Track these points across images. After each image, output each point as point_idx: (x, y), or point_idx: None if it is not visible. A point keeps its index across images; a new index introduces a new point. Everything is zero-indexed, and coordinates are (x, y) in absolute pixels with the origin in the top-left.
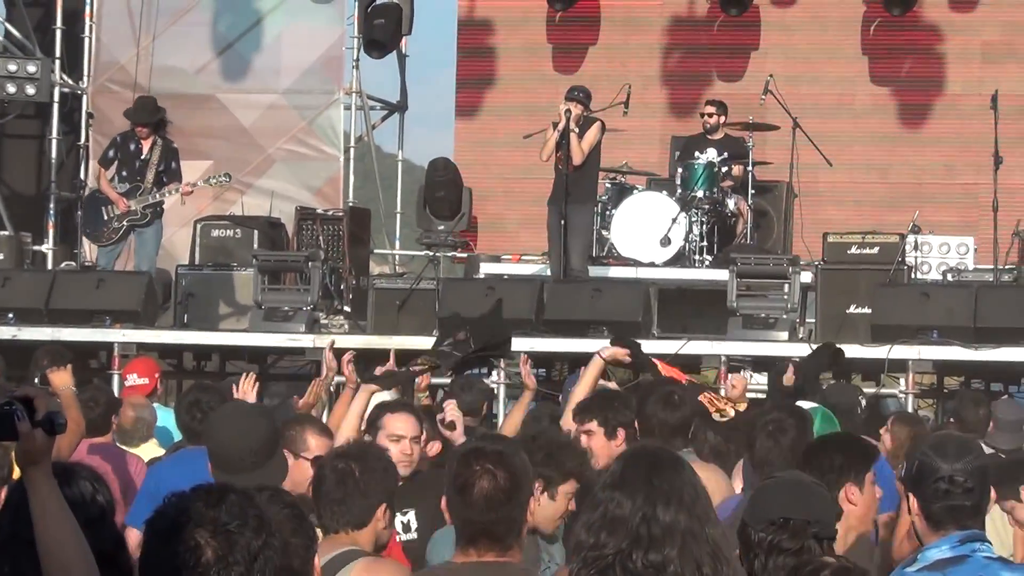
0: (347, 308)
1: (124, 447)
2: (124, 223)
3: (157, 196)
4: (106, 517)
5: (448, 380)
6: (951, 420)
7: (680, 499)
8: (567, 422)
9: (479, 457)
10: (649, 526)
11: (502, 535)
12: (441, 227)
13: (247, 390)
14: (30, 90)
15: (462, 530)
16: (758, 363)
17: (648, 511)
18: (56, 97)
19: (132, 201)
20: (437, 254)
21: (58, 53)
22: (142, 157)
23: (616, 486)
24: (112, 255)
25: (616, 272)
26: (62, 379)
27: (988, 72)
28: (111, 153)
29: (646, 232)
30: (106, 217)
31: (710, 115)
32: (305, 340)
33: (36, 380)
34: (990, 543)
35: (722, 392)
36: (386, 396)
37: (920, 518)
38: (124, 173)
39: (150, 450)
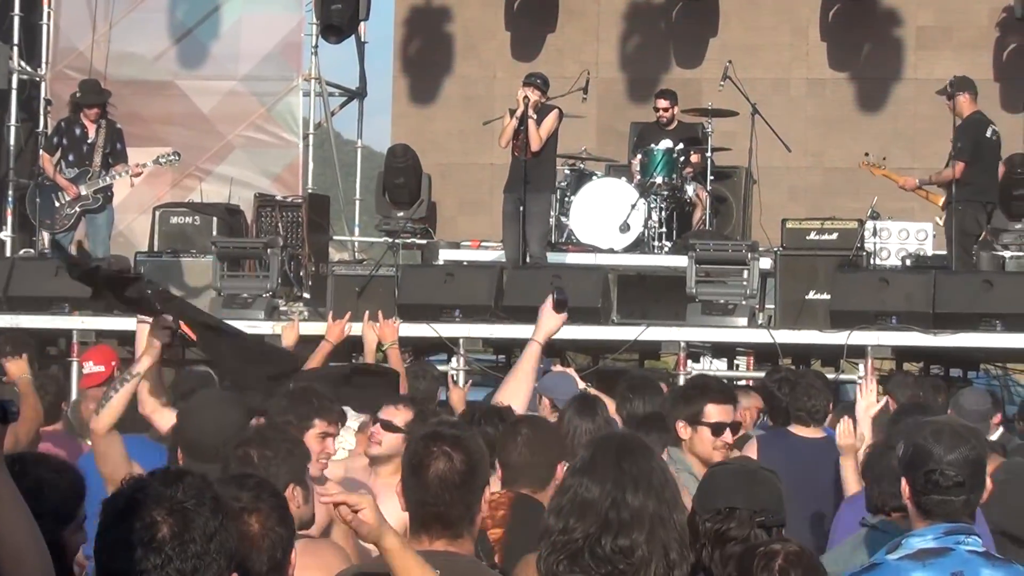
0: (306, 295)
1: (83, 439)
2: (76, 208)
3: (107, 179)
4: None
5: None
6: None
7: (649, 484)
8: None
9: (436, 439)
10: (619, 510)
11: (455, 520)
12: (400, 214)
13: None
14: None
15: (415, 514)
16: (717, 349)
17: (617, 496)
18: (14, 84)
19: (82, 186)
20: (396, 241)
21: (16, 40)
22: (88, 141)
23: (585, 471)
24: (65, 241)
25: (575, 258)
26: (19, 367)
27: (922, 57)
28: (56, 139)
29: (605, 218)
30: (57, 204)
31: (664, 109)
32: (264, 327)
33: None
34: (978, 536)
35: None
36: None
37: (911, 504)
38: (71, 158)
39: None
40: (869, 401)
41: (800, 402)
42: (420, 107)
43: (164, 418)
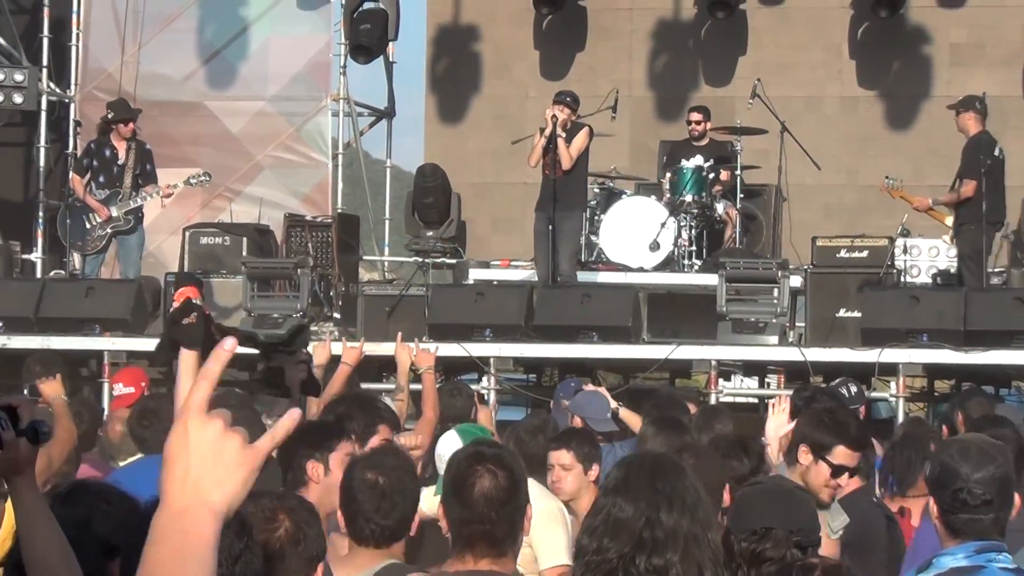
0: (336, 315)
1: (111, 462)
2: (108, 230)
3: (138, 200)
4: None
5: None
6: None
7: (683, 503)
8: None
9: (479, 459)
10: (652, 530)
11: (500, 539)
12: (430, 233)
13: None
14: (17, 99)
15: (459, 534)
16: (748, 367)
17: (651, 515)
18: (44, 105)
19: (113, 208)
20: (426, 260)
21: (45, 61)
22: (119, 162)
23: (619, 491)
24: (96, 263)
25: (605, 277)
26: (53, 389)
27: (956, 75)
28: (86, 161)
29: (635, 237)
30: (88, 226)
31: (697, 123)
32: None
33: (26, 390)
34: (1008, 553)
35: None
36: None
37: (939, 523)
38: (101, 179)
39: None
40: (779, 421)
41: None
42: (452, 126)
43: None
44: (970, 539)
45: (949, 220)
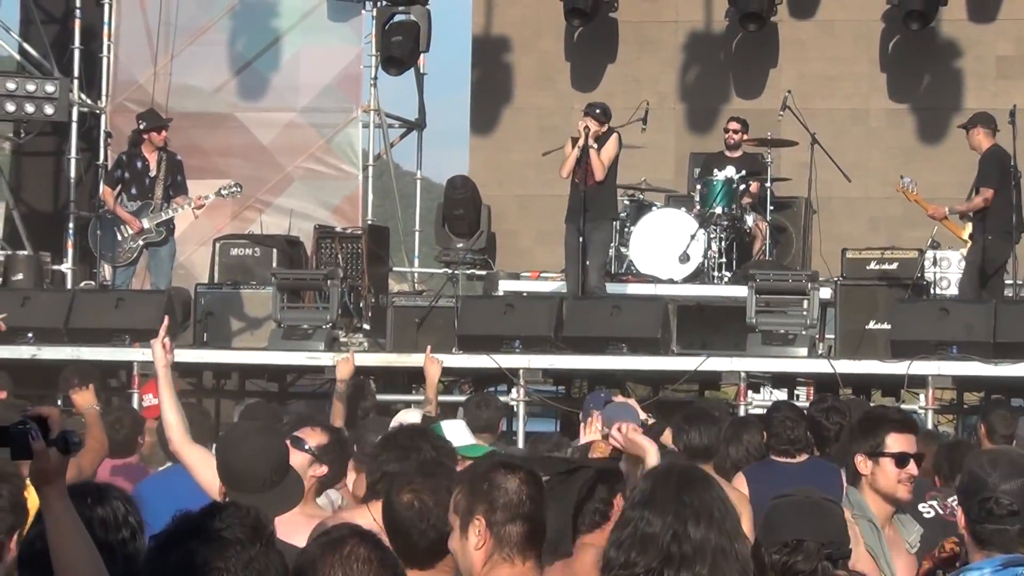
0: (366, 326)
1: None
2: (139, 242)
3: (169, 212)
4: (137, 539)
5: (464, 398)
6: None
7: (710, 516)
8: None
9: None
10: (680, 544)
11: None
12: (460, 245)
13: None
14: (48, 110)
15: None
16: (777, 379)
17: (679, 529)
18: (75, 116)
19: (145, 219)
20: (456, 272)
21: (76, 72)
22: (150, 174)
23: (646, 504)
24: (127, 274)
25: (635, 289)
26: (85, 399)
27: (1002, 87)
28: (117, 172)
29: (665, 249)
30: (120, 238)
31: (735, 131)
32: (324, 358)
33: (59, 400)
34: None
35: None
36: (415, 414)
37: (967, 533)
38: (133, 191)
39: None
40: (591, 440)
41: (780, 436)
42: (495, 138)
43: (191, 453)
44: (997, 551)
45: (965, 234)
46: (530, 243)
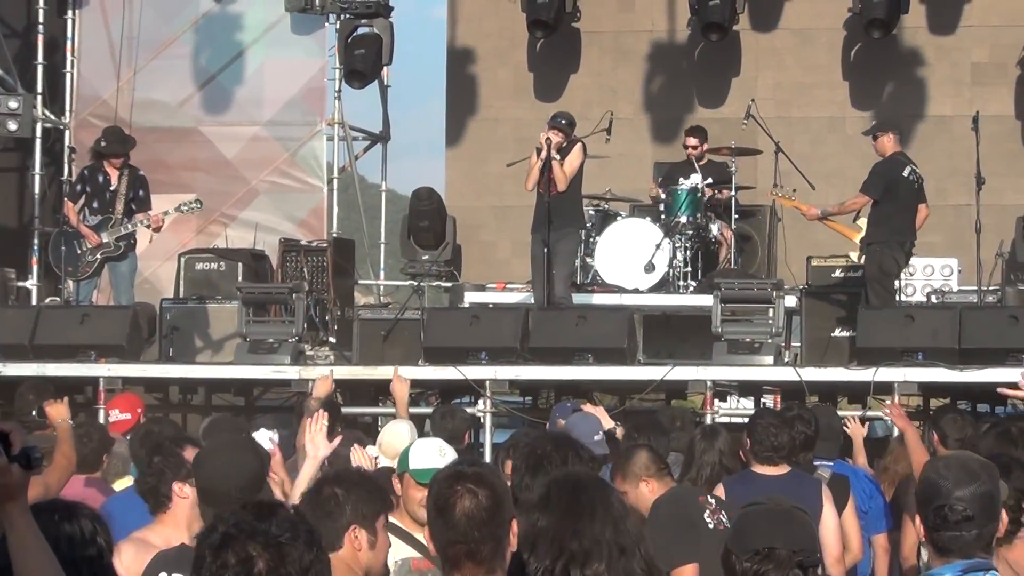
0: (332, 339)
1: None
2: (98, 256)
3: (129, 227)
4: (104, 557)
5: (430, 409)
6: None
7: (606, 514)
8: None
9: (459, 479)
10: (580, 541)
11: (487, 557)
12: (425, 256)
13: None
14: (12, 126)
15: (445, 554)
16: (744, 387)
17: (577, 527)
18: (38, 132)
19: (104, 234)
20: (422, 284)
21: (40, 88)
22: (111, 188)
23: (543, 506)
24: (90, 287)
25: (600, 299)
26: (59, 412)
27: (976, 94)
28: (79, 187)
29: (630, 258)
30: (79, 251)
31: (693, 147)
32: (291, 372)
33: (34, 413)
34: (996, 571)
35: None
36: (403, 426)
37: (927, 540)
38: (95, 205)
39: (126, 485)
40: (314, 436)
41: (762, 443)
42: (472, 150)
43: None
44: (956, 557)
45: (857, 238)
46: (507, 254)
